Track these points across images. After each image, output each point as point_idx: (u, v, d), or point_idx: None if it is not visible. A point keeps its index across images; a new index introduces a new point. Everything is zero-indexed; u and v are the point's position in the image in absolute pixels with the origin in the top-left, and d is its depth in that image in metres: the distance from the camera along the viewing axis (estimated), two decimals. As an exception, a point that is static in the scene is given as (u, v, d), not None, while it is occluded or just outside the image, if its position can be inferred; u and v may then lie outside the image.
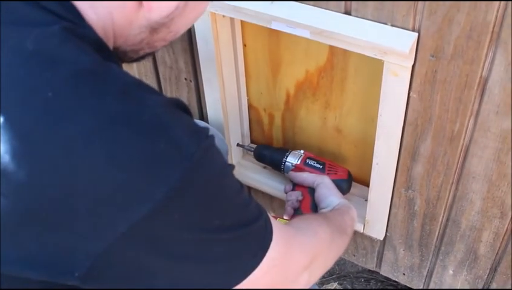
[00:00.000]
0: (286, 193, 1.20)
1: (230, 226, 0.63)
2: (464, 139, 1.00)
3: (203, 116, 1.32)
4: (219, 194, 0.62)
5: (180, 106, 0.62)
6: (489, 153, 0.99)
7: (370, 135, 1.17)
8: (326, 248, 0.86)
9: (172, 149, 0.55)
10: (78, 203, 0.52)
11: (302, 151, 1.22)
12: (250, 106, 1.34)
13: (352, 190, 1.30)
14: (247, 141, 1.41)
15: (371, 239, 1.31)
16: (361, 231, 1.27)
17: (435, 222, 1.17)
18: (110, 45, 0.66)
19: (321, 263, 0.84)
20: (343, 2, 0.94)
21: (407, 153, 1.08)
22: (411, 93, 0.99)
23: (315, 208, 1.11)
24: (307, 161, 1.19)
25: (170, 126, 0.56)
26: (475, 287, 1.23)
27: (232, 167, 0.68)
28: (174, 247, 0.58)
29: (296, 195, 1.16)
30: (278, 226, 0.72)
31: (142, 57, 0.75)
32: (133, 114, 0.55)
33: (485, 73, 0.90)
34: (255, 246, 0.67)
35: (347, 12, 0.95)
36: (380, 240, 1.29)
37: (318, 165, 1.18)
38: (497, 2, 0.81)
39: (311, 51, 1.14)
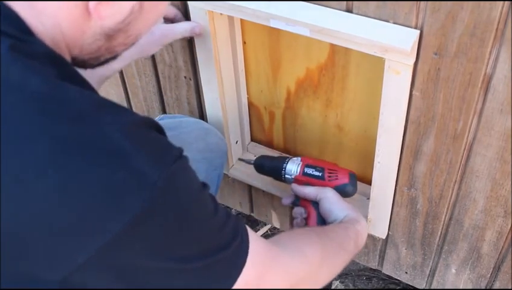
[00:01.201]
0: (284, 204, 1.18)
1: (200, 254, 0.60)
2: (468, 137, 0.99)
3: (203, 115, 1.31)
4: (186, 222, 0.59)
5: (150, 126, 0.59)
6: (493, 151, 0.98)
7: (372, 133, 1.16)
8: (315, 269, 0.82)
9: (131, 178, 0.52)
10: (33, 234, 0.50)
11: (299, 159, 1.16)
12: (250, 104, 1.32)
13: (354, 188, 1.29)
14: (247, 139, 1.39)
15: (373, 238, 1.30)
16: (363, 230, 1.26)
17: (437, 220, 1.16)
18: (66, 55, 0.63)
19: (308, 285, 0.80)
20: (345, 1, 0.92)
21: (409, 151, 1.07)
22: (413, 91, 0.97)
23: (322, 222, 1.08)
24: (305, 170, 1.13)
25: (130, 153, 0.53)
26: (478, 287, 1.22)
27: (206, 187, 0.64)
28: (137, 276, 0.57)
29: (300, 212, 1.13)
30: (257, 245, 0.69)
31: (104, 62, 0.71)
32: (87, 140, 0.52)
33: (489, 71, 0.89)
34: (225, 272, 0.64)
35: (348, 10, 0.93)
36: (382, 239, 1.28)
37: (317, 173, 1.12)
38: (502, 1, 0.79)
39: (311, 49, 1.12)
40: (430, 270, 1.28)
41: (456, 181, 1.07)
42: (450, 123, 0.98)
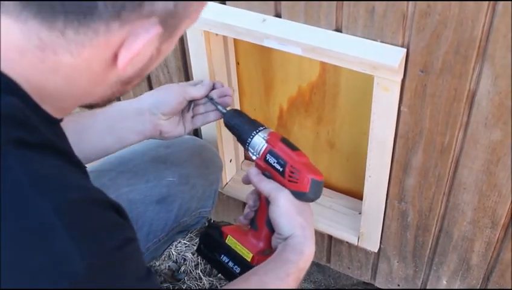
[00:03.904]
0: (243, 182, 1.05)
1: None
2: (454, 151, 1.03)
3: (197, 133, 1.34)
4: None
5: (103, 207, 0.57)
6: (479, 164, 1.01)
7: (362, 149, 1.19)
8: None
9: (51, 264, 0.50)
10: None
11: (266, 136, 0.98)
12: (243, 122, 1.36)
13: (346, 203, 1.32)
14: (241, 157, 1.43)
15: (365, 251, 1.33)
16: (356, 244, 1.29)
17: (427, 233, 1.19)
18: (68, 104, 0.64)
19: None
20: (334, 19, 0.97)
21: (399, 165, 1.11)
22: (402, 107, 1.01)
23: (271, 226, 0.98)
24: (267, 158, 0.97)
25: (57, 236, 0.51)
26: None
27: (149, 278, 0.62)
28: None
29: (253, 201, 1.02)
30: None
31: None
32: (15, 220, 0.50)
33: (473, 86, 0.93)
34: None
35: (338, 30, 0.98)
36: (375, 252, 1.31)
37: (278, 167, 0.96)
38: (483, 19, 0.84)
39: (303, 68, 1.17)
40: (421, 283, 1.31)
41: (444, 194, 1.10)
42: (437, 137, 1.02)
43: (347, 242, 1.32)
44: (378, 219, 1.21)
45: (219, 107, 1.06)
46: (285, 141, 0.98)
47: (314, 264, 1.52)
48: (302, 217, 0.95)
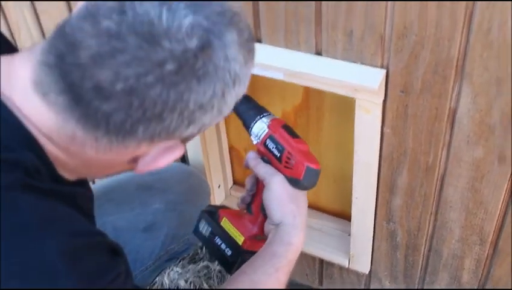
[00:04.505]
0: (244, 167, 1.04)
1: None
2: (439, 170, 1.03)
3: (184, 159, 1.34)
4: None
5: (98, 248, 0.63)
6: (464, 182, 1.02)
7: (349, 171, 1.19)
8: None
9: None
10: None
11: (268, 122, 0.98)
12: (231, 148, 1.36)
13: (335, 225, 1.32)
14: (230, 183, 1.43)
15: (356, 273, 1.33)
16: (347, 266, 1.28)
17: (417, 252, 1.19)
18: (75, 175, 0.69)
19: None
20: (314, 44, 0.98)
21: (385, 186, 1.11)
22: (384, 128, 1.02)
23: (265, 211, 0.97)
24: (267, 143, 0.98)
25: (61, 276, 0.57)
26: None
27: None
28: None
29: (250, 185, 1.02)
30: None
31: None
32: (23, 255, 0.56)
33: (453, 105, 0.94)
34: None
35: (318, 53, 0.99)
36: (366, 274, 1.30)
37: (276, 152, 0.97)
38: (459, 38, 0.85)
39: (286, 92, 1.17)
40: (414, 303, 1.31)
41: (431, 213, 1.10)
42: (421, 157, 1.03)
43: (338, 264, 1.31)
44: (367, 240, 1.21)
45: None
46: (287, 128, 0.98)
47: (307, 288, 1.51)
48: (294, 205, 0.94)
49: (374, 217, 1.17)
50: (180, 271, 1.63)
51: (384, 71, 0.94)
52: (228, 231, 1.03)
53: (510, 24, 0.80)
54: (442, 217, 1.10)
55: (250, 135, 1.01)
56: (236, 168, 1.41)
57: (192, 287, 1.59)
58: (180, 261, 1.65)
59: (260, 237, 0.99)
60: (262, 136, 0.98)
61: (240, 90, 0.68)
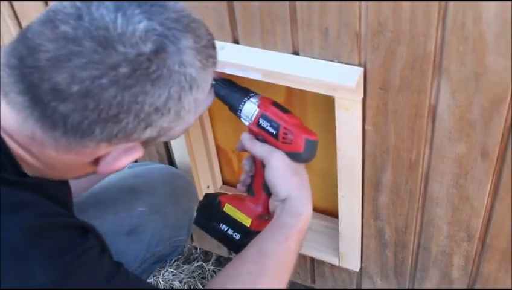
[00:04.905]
0: (237, 151, 1.05)
1: None
2: (423, 166, 1.02)
3: (171, 160, 1.33)
4: None
5: (61, 226, 0.64)
6: (448, 178, 1.00)
7: (335, 168, 1.18)
8: None
9: (20, 279, 0.58)
10: None
11: (258, 101, 0.98)
12: (218, 148, 1.35)
13: (324, 223, 1.31)
14: (219, 183, 1.42)
15: (348, 271, 1.31)
16: (338, 264, 1.27)
17: (406, 249, 1.18)
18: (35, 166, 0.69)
19: None
20: (291, 43, 0.97)
21: (370, 184, 1.10)
22: (366, 126, 1.01)
23: (267, 190, 0.97)
24: (260, 122, 0.97)
25: (23, 251, 0.59)
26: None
27: (117, 273, 0.69)
28: None
29: (249, 166, 1.02)
30: None
31: None
32: None
33: (433, 101, 0.92)
34: None
35: (295, 53, 0.98)
36: (357, 272, 1.29)
37: (271, 130, 0.96)
38: (434, 34, 0.84)
39: (269, 91, 1.15)
40: (406, 300, 1.30)
41: (418, 209, 1.09)
42: (404, 154, 1.01)
43: (329, 263, 1.30)
44: (356, 238, 1.20)
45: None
46: (277, 105, 0.98)
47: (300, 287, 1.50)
48: (298, 178, 0.95)
49: (361, 215, 1.16)
50: (175, 272, 1.63)
51: (361, 69, 0.93)
52: (233, 216, 1.03)
53: (484, 18, 0.79)
54: (429, 213, 1.08)
55: (239, 117, 1.01)
56: (225, 169, 1.40)
57: (186, 288, 1.59)
58: (174, 262, 1.65)
59: (266, 217, 1.00)
60: (254, 116, 0.98)
61: (198, 95, 0.69)
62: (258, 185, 1.00)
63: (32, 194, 0.65)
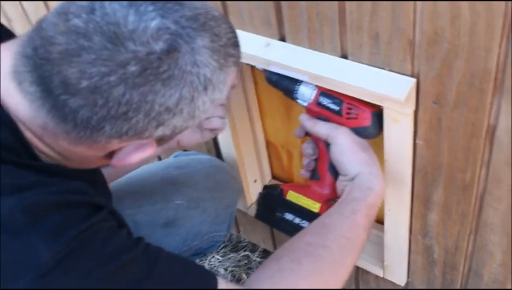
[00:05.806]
0: (297, 136, 1.01)
1: None
2: (477, 189, 0.93)
3: (219, 152, 1.30)
4: None
5: (66, 204, 0.62)
6: (505, 205, 0.91)
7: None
8: None
9: (23, 256, 0.57)
10: None
11: (313, 85, 0.95)
12: (268, 142, 1.31)
13: (373, 230, 1.24)
14: (268, 177, 1.37)
15: (393, 284, 1.24)
16: (382, 275, 1.21)
17: (456, 271, 1.09)
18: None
19: None
20: (339, 46, 0.90)
21: (419, 200, 1.02)
22: (417, 140, 0.92)
23: (334, 171, 0.93)
24: (320, 100, 0.93)
25: (25, 230, 0.57)
26: None
27: (128, 249, 0.65)
28: None
29: (312, 149, 0.97)
30: None
31: None
32: None
33: (492, 122, 0.83)
34: None
35: (344, 56, 0.91)
36: (402, 286, 1.22)
37: (333, 107, 0.92)
38: (497, 49, 0.74)
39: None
40: (453, 322, 1.21)
41: (471, 233, 1.00)
42: (458, 173, 0.92)
43: (373, 273, 1.24)
44: (402, 252, 1.13)
45: (257, 66, 0.99)
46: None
47: None
48: (367, 154, 0.91)
49: (408, 230, 1.08)
50: (220, 259, 1.62)
51: (413, 80, 0.84)
52: (298, 203, 0.98)
53: (555, 38, 0.68)
54: (482, 238, 0.99)
55: (295, 99, 0.97)
56: (275, 163, 1.35)
57: (231, 276, 1.58)
58: (222, 249, 1.64)
59: (334, 201, 0.94)
60: (313, 95, 0.94)
61: (214, 96, 0.65)
62: (323, 168, 0.95)
63: (45, 176, 0.64)
